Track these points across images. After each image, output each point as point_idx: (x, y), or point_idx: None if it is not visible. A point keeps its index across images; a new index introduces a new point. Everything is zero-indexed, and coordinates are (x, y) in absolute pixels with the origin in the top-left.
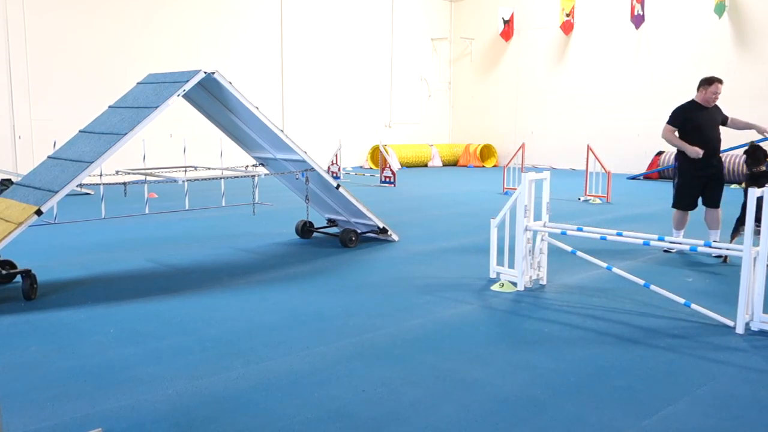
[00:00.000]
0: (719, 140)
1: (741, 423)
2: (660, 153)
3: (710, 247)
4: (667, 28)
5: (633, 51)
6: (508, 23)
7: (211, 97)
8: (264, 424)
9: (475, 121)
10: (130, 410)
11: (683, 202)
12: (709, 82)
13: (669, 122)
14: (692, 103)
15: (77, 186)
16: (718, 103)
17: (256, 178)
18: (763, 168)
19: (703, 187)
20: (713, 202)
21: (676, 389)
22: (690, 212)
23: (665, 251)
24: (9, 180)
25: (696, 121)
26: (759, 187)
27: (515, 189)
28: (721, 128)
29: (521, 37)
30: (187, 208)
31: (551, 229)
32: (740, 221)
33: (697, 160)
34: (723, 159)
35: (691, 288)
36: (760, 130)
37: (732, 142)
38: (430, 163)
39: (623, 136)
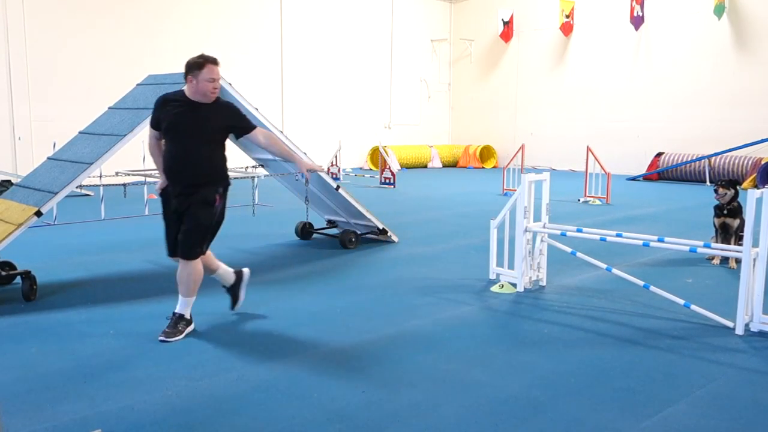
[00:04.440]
0: (204, 157)
1: (740, 424)
2: (660, 154)
3: (709, 248)
4: (667, 29)
5: (632, 52)
6: (507, 24)
7: None
8: (263, 426)
9: (475, 123)
10: (130, 411)
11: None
12: (199, 66)
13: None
14: (178, 93)
15: (77, 187)
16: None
17: (255, 179)
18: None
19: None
20: (180, 249)
21: (676, 390)
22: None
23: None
24: (9, 181)
25: (171, 122)
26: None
27: (515, 190)
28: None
29: (521, 38)
30: None
31: (551, 230)
32: None
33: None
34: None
35: (690, 289)
36: (300, 166)
37: (724, 144)
38: (429, 165)
39: (623, 137)
